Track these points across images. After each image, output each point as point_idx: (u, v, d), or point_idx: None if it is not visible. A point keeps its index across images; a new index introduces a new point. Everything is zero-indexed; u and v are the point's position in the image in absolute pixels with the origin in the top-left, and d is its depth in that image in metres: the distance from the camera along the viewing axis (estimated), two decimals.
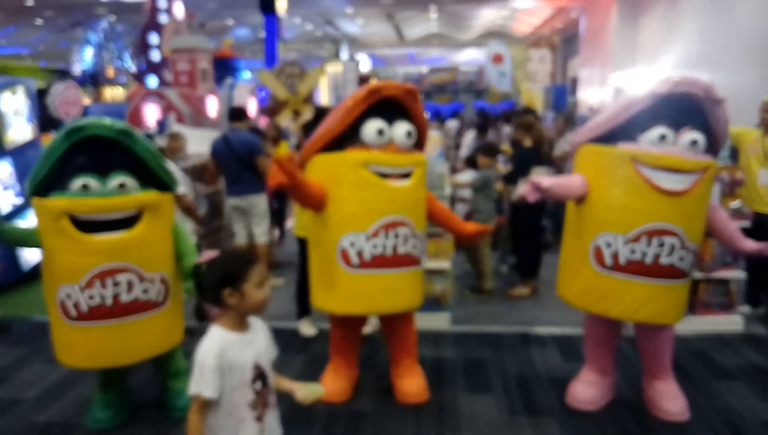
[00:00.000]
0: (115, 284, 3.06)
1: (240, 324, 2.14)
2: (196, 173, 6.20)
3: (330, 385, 3.64)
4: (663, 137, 3.14)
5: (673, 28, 12.93)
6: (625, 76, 15.18)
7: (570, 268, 3.48)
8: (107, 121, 3.12)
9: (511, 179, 5.55)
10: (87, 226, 3.04)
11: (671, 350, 3.54)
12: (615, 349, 3.64)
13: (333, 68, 16.24)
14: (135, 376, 3.80)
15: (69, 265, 3.04)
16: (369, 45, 31.87)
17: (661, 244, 3.12)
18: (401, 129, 3.40)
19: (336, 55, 24.44)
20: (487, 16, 23.99)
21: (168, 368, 3.55)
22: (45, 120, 7.66)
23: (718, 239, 3.94)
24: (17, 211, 6.12)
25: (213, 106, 11.22)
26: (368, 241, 3.30)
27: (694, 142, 3.13)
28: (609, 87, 15.71)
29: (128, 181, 3.13)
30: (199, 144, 6.43)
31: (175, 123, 6.15)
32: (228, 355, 2.06)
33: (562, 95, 18.43)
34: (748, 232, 4.77)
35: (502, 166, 6.19)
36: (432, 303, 4.83)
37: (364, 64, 26.64)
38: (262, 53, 17.57)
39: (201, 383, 2.02)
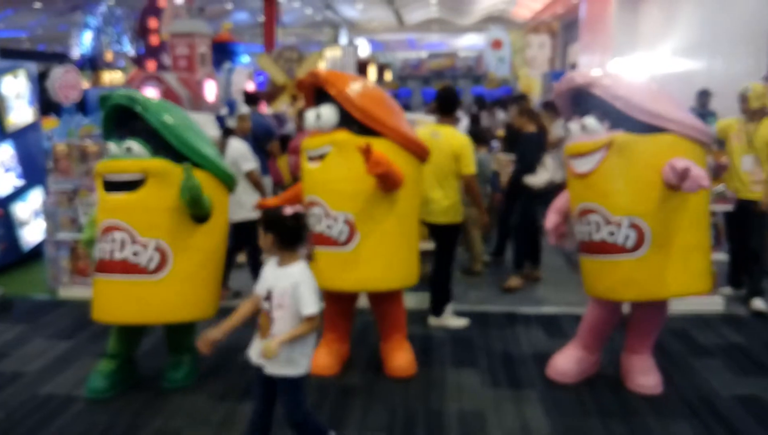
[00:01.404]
0: (112, 241, 3.36)
1: (278, 259, 2.70)
2: None
3: (321, 360, 3.79)
4: (583, 128, 3.45)
5: (672, 14, 12.96)
6: (625, 63, 15.21)
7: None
8: (124, 90, 3.55)
9: (519, 165, 5.55)
10: (110, 186, 3.44)
11: (658, 331, 3.69)
12: (608, 333, 3.76)
13: (332, 53, 16.28)
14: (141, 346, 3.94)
15: (99, 219, 3.51)
16: (368, 30, 31.80)
17: (589, 223, 3.46)
18: (313, 113, 3.64)
19: (335, 40, 24.47)
20: (487, 1, 23.95)
21: (175, 341, 3.74)
22: (44, 103, 7.74)
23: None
24: (18, 193, 6.24)
25: (211, 91, 11.29)
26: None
27: (583, 127, 3.45)
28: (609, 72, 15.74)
29: (135, 146, 3.40)
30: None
31: (243, 104, 6.35)
32: (264, 274, 2.72)
33: None
34: (731, 216, 4.92)
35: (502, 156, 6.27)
36: (421, 283, 4.95)
37: (363, 49, 26.61)
38: (261, 37, 17.58)
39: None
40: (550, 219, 3.85)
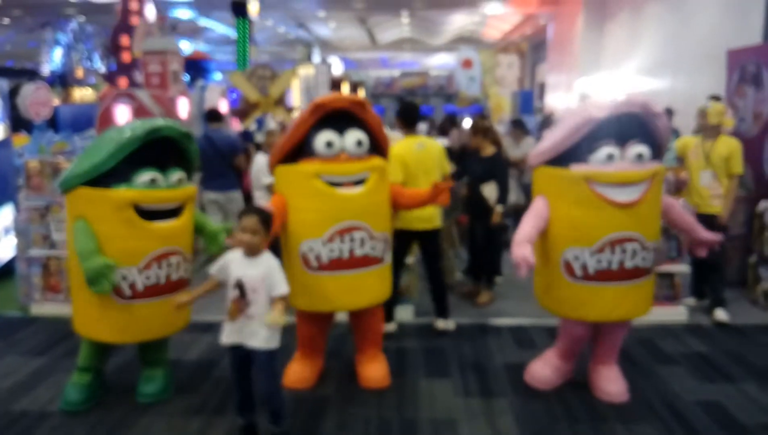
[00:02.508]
0: (169, 265, 3.51)
1: (245, 252, 3.09)
2: None
3: (296, 373, 3.86)
4: (611, 156, 3.42)
5: (636, 34, 13.37)
6: (591, 82, 15.61)
7: (545, 280, 3.77)
8: (173, 123, 3.61)
9: (473, 186, 5.47)
10: (144, 214, 3.42)
11: (623, 340, 3.85)
12: (586, 343, 3.87)
13: (305, 71, 16.36)
14: (115, 361, 3.94)
15: (129, 249, 3.40)
16: (341, 48, 32.05)
17: (624, 251, 3.45)
18: (351, 138, 3.62)
19: (308, 58, 24.56)
20: (458, 22, 24.35)
21: (152, 356, 3.77)
22: (15, 120, 7.68)
23: (677, 230, 4.35)
24: None
25: (184, 108, 11.27)
26: (325, 246, 3.56)
27: (639, 156, 3.43)
28: (575, 92, 16.13)
29: (183, 176, 3.59)
30: None
31: (272, 121, 6.53)
32: (229, 265, 3.10)
33: (529, 100, 18.81)
34: None
35: None
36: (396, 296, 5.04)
37: (337, 68, 26.79)
38: (233, 55, 17.63)
39: (213, 266, 3.16)
40: (522, 251, 3.39)
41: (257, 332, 3.04)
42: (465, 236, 6.23)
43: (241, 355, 3.10)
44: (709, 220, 5.00)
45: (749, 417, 3.54)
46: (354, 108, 3.61)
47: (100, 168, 3.34)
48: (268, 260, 3.10)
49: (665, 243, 4.94)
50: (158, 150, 3.49)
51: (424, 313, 5.16)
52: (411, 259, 5.09)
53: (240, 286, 3.03)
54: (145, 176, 3.41)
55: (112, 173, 3.37)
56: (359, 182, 3.62)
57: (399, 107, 4.86)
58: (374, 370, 3.91)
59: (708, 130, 5.07)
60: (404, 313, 5.06)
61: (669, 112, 9.03)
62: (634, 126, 3.46)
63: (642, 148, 3.43)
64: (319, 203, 3.56)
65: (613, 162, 3.42)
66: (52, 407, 3.64)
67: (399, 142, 4.64)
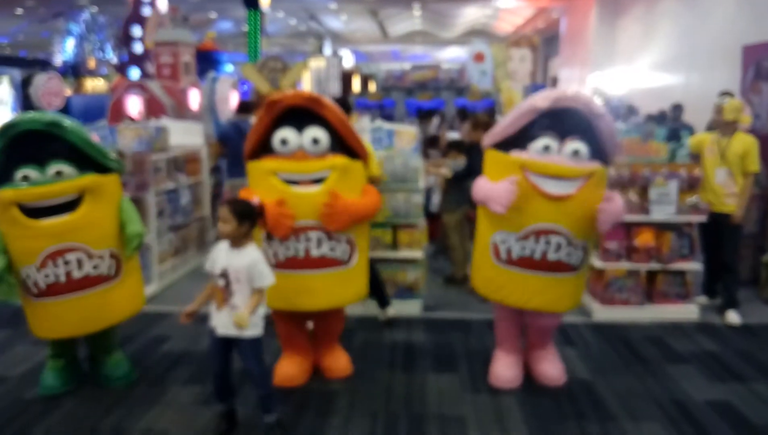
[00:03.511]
0: (66, 263, 3.39)
1: (230, 243, 3.14)
2: (179, 164, 6.34)
3: (285, 371, 3.85)
4: (547, 147, 3.47)
5: (650, 29, 13.25)
6: (604, 76, 15.50)
7: (476, 260, 3.87)
8: (36, 115, 3.43)
9: (466, 178, 5.33)
10: (36, 212, 3.36)
11: (555, 328, 3.95)
12: (521, 329, 3.94)
13: (316, 63, 16.38)
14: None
15: (24, 248, 3.39)
16: (353, 41, 31.96)
17: (548, 242, 3.49)
18: (308, 136, 3.56)
19: (319, 51, 24.57)
20: (470, 15, 24.21)
21: (104, 343, 3.81)
22: (27, 110, 7.73)
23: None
24: None
25: (195, 99, 11.29)
26: (281, 244, 3.55)
27: (576, 152, 3.44)
28: (588, 86, 16.01)
29: (65, 168, 3.42)
30: (181, 136, 6.56)
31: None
32: (216, 255, 3.16)
33: None
34: (705, 227, 5.06)
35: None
36: (405, 291, 5.04)
37: (348, 60, 26.77)
38: (244, 47, 17.62)
39: (207, 262, 3.22)
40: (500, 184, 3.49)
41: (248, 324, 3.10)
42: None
43: (223, 342, 3.16)
44: (722, 219, 4.96)
45: (760, 417, 3.51)
46: (311, 105, 3.54)
47: None
48: (252, 252, 3.14)
49: (677, 241, 4.90)
50: (33, 145, 3.38)
51: (431, 308, 5.15)
52: (420, 254, 5.07)
53: (225, 275, 3.10)
54: (19, 174, 3.36)
55: (1, 175, 3.38)
56: (318, 181, 3.56)
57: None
58: (340, 361, 3.98)
59: (724, 126, 5.00)
60: (412, 308, 5.05)
61: (679, 108, 8.93)
62: (576, 123, 3.47)
63: (579, 145, 3.44)
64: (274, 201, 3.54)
65: (550, 154, 3.46)
66: (63, 395, 3.68)
67: None
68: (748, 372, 4.08)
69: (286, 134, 3.55)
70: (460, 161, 5.74)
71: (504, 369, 3.87)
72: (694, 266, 5.00)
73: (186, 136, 6.72)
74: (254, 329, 3.15)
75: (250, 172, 3.70)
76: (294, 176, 3.55)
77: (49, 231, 3.38)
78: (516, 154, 3.52)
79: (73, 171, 3.45)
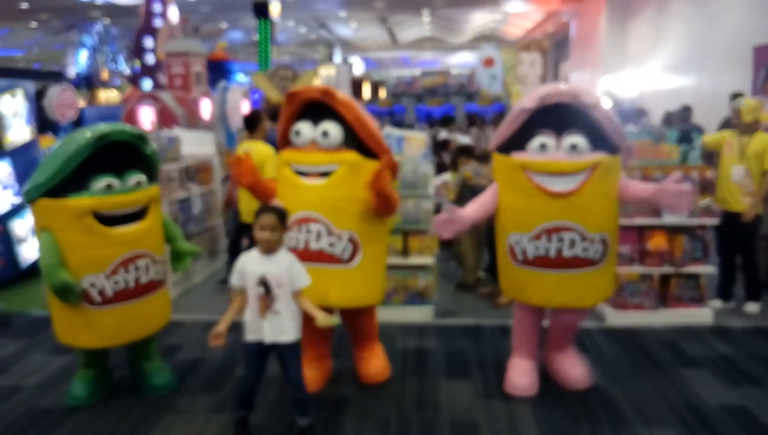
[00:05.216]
0: (137, 269, 3.52)
1: (263, 250, 3.14)
2: (191, 174, 6.39)
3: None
4: (543, 145, 3.47)
5: (661, 31, 13.20)
6: (615, 79, 15.43)
7: (500, 263, 3.88)
8: (122, 126, 3.55)
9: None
10: (106, 220, 3.42)
11: (577, 328, 3.92)
12: (538, 336, 3.92)
13: (326, 71, 16.43)
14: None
15: (94, 256, 3.41)
16: (362, 48, 32.06)
17: (561, 240, 3.47)
18: (319, 129, 3.62)
19: (329, 58, 24.67)
20: (479, 20, 24.21)
21: (146, 350, 3.84)
22: (42, 122, 7.82)
23: (645, 203, 4.36)
24: (16, 210, 6.30)
25: (207, 109, 11.38)
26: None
27: (574, 146, 3.42)
28: (598, 90, 15.96)
29: (142, 178, 3.59)
30: (193, 145, 6.62)
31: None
32: (246, 266, 3.14)
33: None
34: (719, 229, 5.03)
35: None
36: (416, 297, 5.04)
37: (358, 67, 26.84)
38: (255, 56, 17.74)
39: (233, 276, 3.18)
40: (441, 217, 3.67)
41: (285, 326, 3.15)
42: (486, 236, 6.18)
43: (263, 350, 3.18)
44: (735, 218, 4.93)
45: None
46: (324, 98, 3.59)
47: (54, 178, 3.36)
48: (286, 255, 3.19)
49: (690, 244, 4.87)
50: (113, 155, 3.48)
51: (443, 314, 5.15)
52: (431, 260, 5.07)
53: (264, 282, 3.10)
54: (101, 182, 3.42)
55: (69, 182, 3.37)
56: (325, 174, 3.58)
57: (246, 116, 5.51)
58: (375, 366, 3.93)
59: (744, 127, 5.00)
60: (424, 314, 5.05)
61: (687, 110, 8.85)
62: (570, 117, 3.45)
63: (577, 139, 3.42)
64: (286, 191, 3.65)
65: (547, 151, 3.46)
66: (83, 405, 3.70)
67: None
68: (764, 376, 4.04)
69: (300, 126, 3.64)
70: (471, 166, 5.76)
71: (520, 377, 3.82)
72: (707, 269, 4.96)
73: (198, 145, 6.79)
74: (298, 333, 3.21)
75: (278, 165, 3.85)
76: (303, 167, 3.61)
77: (125, 238, 3.47)
78: (516, 156, 3.54)
79: (146, 182, 3.63)
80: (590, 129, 3.46)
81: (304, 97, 3.63)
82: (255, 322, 3.16)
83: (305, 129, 3.63)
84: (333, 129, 3.59)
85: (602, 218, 3.52)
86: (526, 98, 3.52)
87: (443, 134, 9.68)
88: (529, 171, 3.47)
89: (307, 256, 3.51)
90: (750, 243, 5.06)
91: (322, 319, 3.13)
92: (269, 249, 3.14)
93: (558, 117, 3.45)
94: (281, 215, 3.16)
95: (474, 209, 3.76)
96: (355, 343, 4.03)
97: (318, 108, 3.61)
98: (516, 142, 3.58)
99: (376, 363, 3.94)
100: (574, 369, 3.85)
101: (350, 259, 3.61)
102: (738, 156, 4.97)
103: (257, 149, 5.24)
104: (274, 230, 3.10)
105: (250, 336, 3.18)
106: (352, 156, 3.59)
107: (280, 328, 3.14)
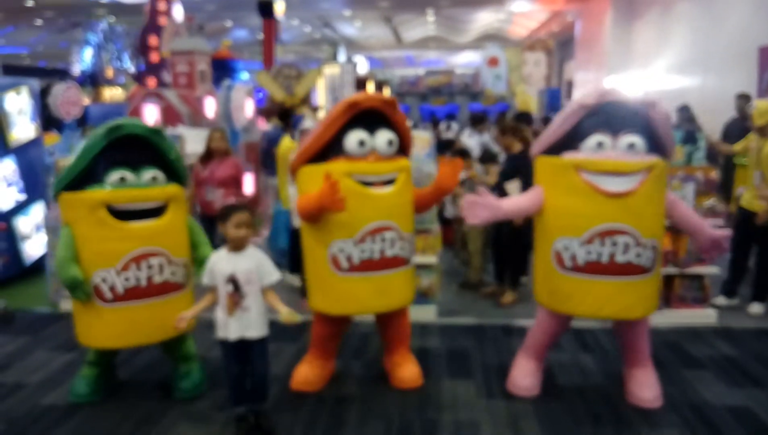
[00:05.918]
0: (149, 267, 3.43)
1: (232, 247, 3.20)
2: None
3: (305, 375, 3.85)
4: (600, 144, 3.37)
5: (666, 32, 13.17)
6: (620, 80, 15.41)
7: (540, 271, 3.70)
8: (140, 121, 3.54)
9: (499, 184, 5.42)
10: (121, 215, 3.39)
11: (647, 340, 3.73)
12: (555, 342, 3.89)
13: (330, 70, 16.42)
14: (143, 357, 4.00)
15: (107, 251, 3.38)
16: (367, 47, 32.07)
17: (615, 244, 3.33)
18: (383, 138, 3.59)
19: (333, 57, 24.65)
20: (483, 20, 24.20)
21: (179, 352, 3.78)
22: (46, 119, 7.83)
23: (684, 230, 4.08)
24: (20, 207, 6.32)
25: (211, 107, 11.39)
26: (356, 247, 3.53)
27: (631, 145, 3.35)
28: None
29: (158, 174, 3.52)
30: (197, 144, 6.62)
31: (308, 120, 6.56)
32: (216, 265, 3.22)
33: (556, 98, 18.65)
34: (736, 226, 5.07)
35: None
36: (419, 296, 5.03)
37: (362, 66, 26.83)
38: (260, 55, 17.77)
39: (204, 276, 3.27)
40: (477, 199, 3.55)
41: (255, 322, 3.22)
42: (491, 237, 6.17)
43: (238, 345, 3.23)
44: (750, 217, 4.94)
45: None
46: (385, 108, 3.59)
47: (73, 171, 3.38)
48: (255, 253, 3.25)
49: (694, 244, 4.85)
50: (129, 149, 3.46)
51: (446, 313, 5.14)
52: (435, 260, 5.07)
53: (233, 280, 3.16)
54: (115, 175, 3.40)
55: (88, 176, 3.39)
56: (389, 182, 3.61)
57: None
58: (408, 371, 3.89)
59: (759, 130, 5.02)
60: (427, 313, 5.05)
61: (686, 109, 8.80)
62: (629, 116, 3.39)
63: (634, 138, 3.34)
64: (351, 203, 3.44)
65: (604, 150, 3.36)
66: (85, 403, 3.71)
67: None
68: None
69: (362, 136, 3.55)
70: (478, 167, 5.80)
71: (524, 377, 3.79)
72: (711, 270, 4.94)
73: (202, 143, 6.77)
74: (266, 329, 3.27)
75: (311, 176, 3.58)
76: (369, 178, 3.56)
77: (138, 234, 3.42)
78: (568, 156, 3.43)
79: (163, 179, 3.56)
80: (646, 130, 3.39)
81: (365, 106, 3.52)
82: (225, 320, 3.21)
83: (367, 138, 3.56)
84: (394, 138, 3.65)
85: (655, 223, 3.43)
86: (585, 95, 3.44)
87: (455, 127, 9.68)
88: (583, 171, 3.35)
89: (383, 264, 3.58)
90: (765, 243, 5.06)
91: (287, 315, 3.17)
92: (241, 247, 3.20)
93: (614, 116, 3.38)
94: (252, 212, 3.24)
95: (510, 204, 3.67)
96: (388, 346, 3.99)
97: (365, 116, 3.55)
98: (566, 144, 3.47)
99: (409, 368, 3.92)
100: (645, 389, 3.64)
101: (410, 258, 3.78)
102: (756, 159, 4.98)
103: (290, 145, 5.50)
104: (249, 227, 3.18)
105: (221, 333, 3.24)
106: (406, 163, 3.72)
107: (248, 323, 3.20)
